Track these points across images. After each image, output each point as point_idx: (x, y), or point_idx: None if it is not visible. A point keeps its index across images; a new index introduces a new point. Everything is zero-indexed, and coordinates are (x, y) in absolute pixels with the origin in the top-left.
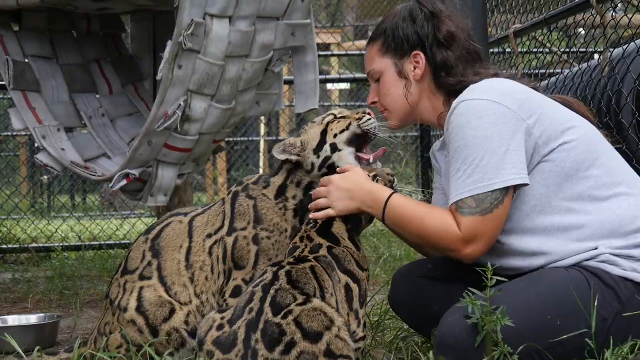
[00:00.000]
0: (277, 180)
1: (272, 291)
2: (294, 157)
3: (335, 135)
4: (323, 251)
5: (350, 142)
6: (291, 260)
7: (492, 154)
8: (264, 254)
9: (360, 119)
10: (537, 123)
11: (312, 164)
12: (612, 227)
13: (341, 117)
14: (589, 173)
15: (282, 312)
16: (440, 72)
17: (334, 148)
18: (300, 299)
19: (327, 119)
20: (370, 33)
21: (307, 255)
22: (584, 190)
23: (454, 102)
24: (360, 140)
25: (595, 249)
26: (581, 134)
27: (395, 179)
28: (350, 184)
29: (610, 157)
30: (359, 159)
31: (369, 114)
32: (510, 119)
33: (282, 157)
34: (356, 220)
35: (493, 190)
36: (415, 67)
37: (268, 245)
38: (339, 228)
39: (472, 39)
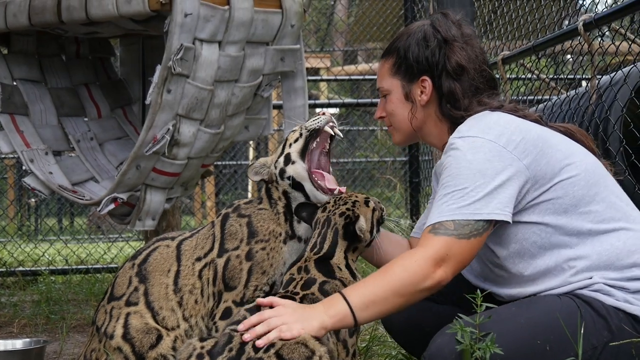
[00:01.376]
0: (263, 188)
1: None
2: (266, 177)
3: (290, 145)
4: (314, 288)
5: (303, 152)
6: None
7: (483, 187)
8: (258, 267)
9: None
10: (532, 163)
11: (275, 175)
12: (609, 259)
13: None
14: (589, 209)
15: (264, 347)
16: (446, 102)
17: (288, 159)
18: None
19: (290, 133)
20: (360, 58)
21: (297, 292)
22: (583, 225)
23: (451, 138)
24: (315, 138)
25: (590, 278)
26: (581, 170)
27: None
28: (295, 306)
29: (611, 190)
30: (313, 178)
31: (323, 113)
32: (505, 159)
33: (256, 178)
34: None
35: (477, 220)
36: (422, 92)
37: (263, 256)
38: (338, 258)
39: (487, 64)
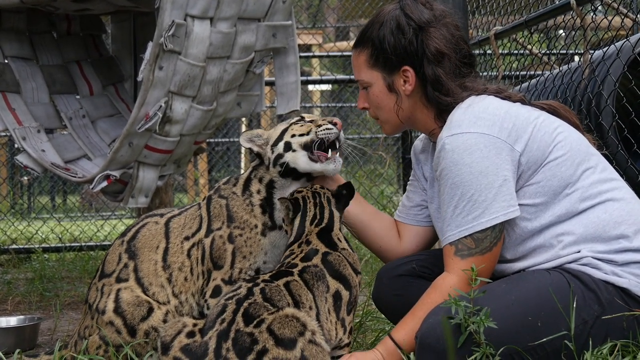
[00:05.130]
0: (243, 175)
1: (245, 304)
2: (256, 148)
3: (293, 136)
4: (317, 259)
5: (306, 146)
6: (266, 278)
7: (489, 189)
8: (239, 251)
9: (320, 126)
10: (525, 149)
11: (269, 159)
12: (596, 232)
13: (309, 122)
14: (576, 186)
15: (255, 322)
16: (432, 88)
17: (288, 147)
18: (272, 309)
19: (293, 120)
20: (352, 34)
21: (295, 264)
22: (572, 204)
23: (442, 137)
24: (321, 148)
25: (578, 252)
26: (566, 150)
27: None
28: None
29: (597, 165)
30: (314, 161)
31: (335, 123)
32: (501, 150)
33: (247, 145)
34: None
35: (494, 226)
36: (405, 82)
37: (241, 242)
38: (337, 229)
39: (465, 42)
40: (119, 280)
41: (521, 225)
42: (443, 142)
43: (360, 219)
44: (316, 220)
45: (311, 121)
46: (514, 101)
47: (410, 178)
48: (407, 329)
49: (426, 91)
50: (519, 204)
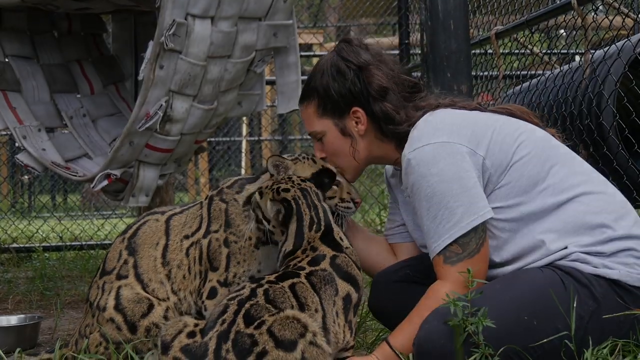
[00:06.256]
0: (251, 188)
1: (247, 305)
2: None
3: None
4: (325, 263)
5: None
6: (272, 279)
7: (463, 193)
8: (234, 257)
9: (343, 200)
10: (488, 153)
11: None
12: (576, 224)
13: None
14: (547, 183)
15: (255, 323)
16: (384, 123)
17: None
18: (274, 311)
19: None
20: (353, 34)
21: (303, 267)
22: (545, 200)
23: (405, 154)
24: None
25: (565, 248)
26: (530, 148)
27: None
28: None
29: (565, 160)
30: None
31: (357, 203)
32: (464, 155)
33: (273, 171)
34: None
35: (476, 227)
36: (357, 123)
37: (236, 249)
38: (335, 227)
39: (407, 73)
40: (119, 277)
41: (499, 227)
42: (407, 159)
43: (361, 246)
44: (314, 225)
45: (337, 184)
46: (471, 110)
47: (389, 200)
48: (404, 334)
49: (380, 127)
50: (494, 207)
